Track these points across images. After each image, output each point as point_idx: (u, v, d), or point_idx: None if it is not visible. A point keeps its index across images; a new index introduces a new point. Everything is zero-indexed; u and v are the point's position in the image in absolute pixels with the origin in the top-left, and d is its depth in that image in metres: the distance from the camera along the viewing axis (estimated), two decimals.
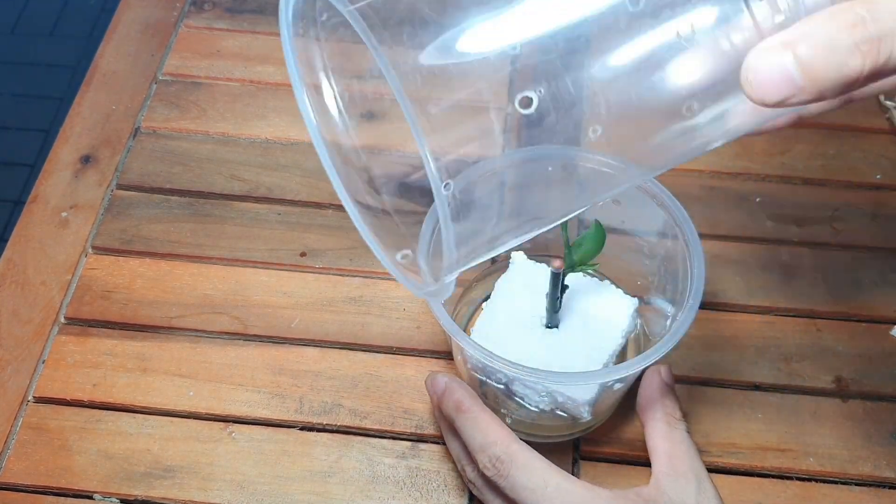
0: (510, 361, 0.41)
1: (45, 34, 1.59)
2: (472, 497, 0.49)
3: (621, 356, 0.48)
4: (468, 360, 0.46)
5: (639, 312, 0.48)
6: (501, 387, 0.45)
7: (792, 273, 0.57)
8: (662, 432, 0.44)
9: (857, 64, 0.25)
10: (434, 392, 0.45)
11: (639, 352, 0.47)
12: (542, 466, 0.41)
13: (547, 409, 0.46)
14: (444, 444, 0.50)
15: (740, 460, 0.50)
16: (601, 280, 0.49)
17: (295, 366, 0.53)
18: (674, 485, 0.43)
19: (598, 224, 0.44)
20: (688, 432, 0.45)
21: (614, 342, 0.46)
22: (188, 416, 0.52)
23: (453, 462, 0.49)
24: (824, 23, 0.25)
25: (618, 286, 0.49)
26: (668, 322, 0.44)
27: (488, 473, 0.41)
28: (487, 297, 0.49)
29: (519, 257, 0.49)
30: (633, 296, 0.48)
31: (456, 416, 0.43)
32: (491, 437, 0.41)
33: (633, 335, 0.49)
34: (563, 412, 0.46)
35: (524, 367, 0.40)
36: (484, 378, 0.46)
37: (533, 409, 0.46)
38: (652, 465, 0.44)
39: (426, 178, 0.30)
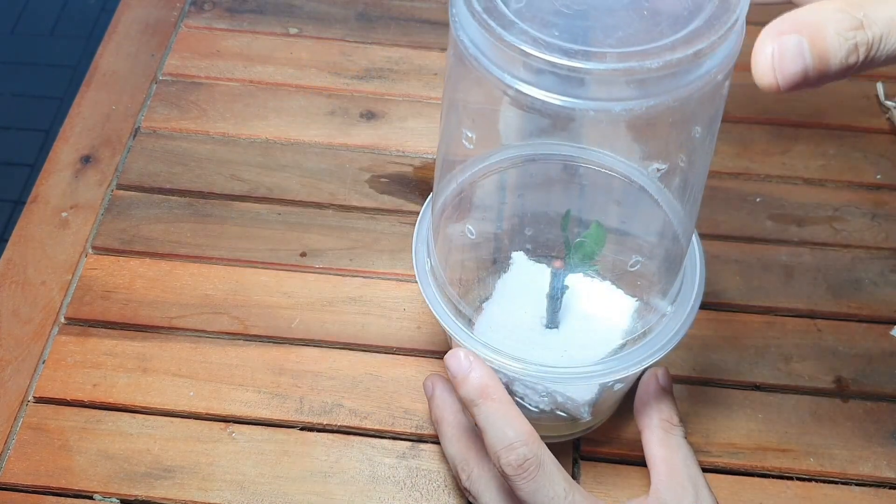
0: (512, 356, 0.40)
1: (45, 34, 1.59)
2: None
3: None
4: None
5: (639, 313, 0.48)
6: None
7: (792, 273, 0.57)
8: (659, 438, 0.44)
9: (854, 60, 0.30)
10: (456, 372, 0.41)
11: None
12: (565, 477, 0.40)
13: (547, 409, 0.46)
14: None
15: (740, 460, 0.50)
16: (601, 280, 0.49)
17: (295, 366, 0.53)
18: (672, 495, 0.42)
19: (598, 224, 0.44)
20: (685, 438, 0.45)
21: (614, 342, 0.46)
22: (188, 417, 0.52)
23: None
24: (830, 16, 0.29)
25: (618, 286, 0.49)
26: (667, 322, 0.44)
27: (509, 472, 0.39)
28: (488, 298, 0.49)
29: (519, 257, 0.49)
30: (633, 296, 0.48)
31: (481, 401, 0.40)
32: (523, 435, 0.39)
33: (632, 337, 0.49)
34: (564, 412, 0.46)
35: (525, 366, 0.40)
36: None
37: (533, 409, 0.46)
38: (650, 473, 0.44)
39: None
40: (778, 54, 0.29)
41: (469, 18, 0.33)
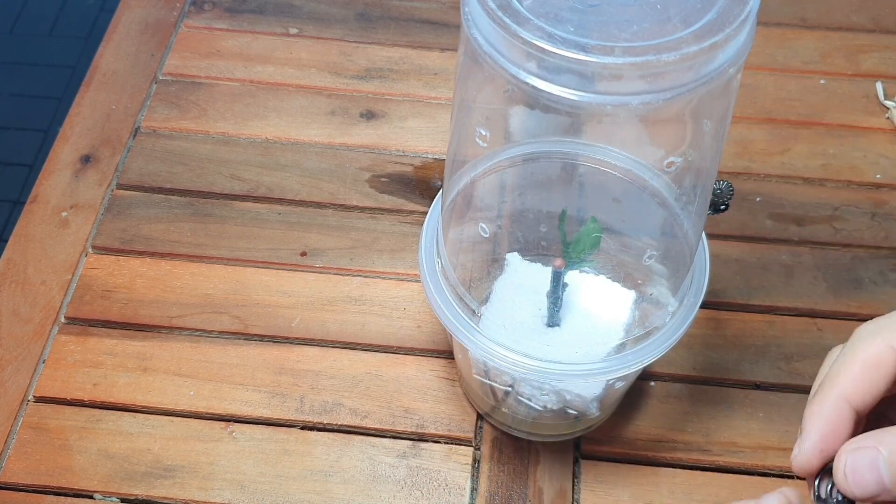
0: (523, 354, 0.40)
1: (45, 34, 1.58)
2: (472, 497, 0.49)
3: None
4: (473, 365, 0.46)
5: (638, 307, 0.48)
6: (509, 389, 0.45)
7: (792, 273, 0.57)
8: None
9: None
10: None
11: None
12: None
13: (555, 407, 0.45)
14: (444, 443, 0.51)
15: (741, 459, 0.50)
16: (597, 275, 0.49)
17: (295, 365, 0.53)
18: None
19: (594, 220, 0.44)
20: None
21: (617, 336, 0.46)
22: (189, 416, 0.52)
23: (454, 461, 0.50)
24: None
25: (621, 284, 0.49)
26: (670, 320, 0.44)
27: None
28: (491, 297, 0.49)
29: (514, 259, 0.49)
30: (633, 289, 0.48)
31: None
32: None
33: (634, 332, 0.49)
34: (572, 409, 0.46)
35: (538, 364, 0.40)
36: (489, 382, 0.45)
37: (539, 408, 0.46)
38: None
39: None
40: (851, 467, 0.28)
41: (483, 16, 0.33)
